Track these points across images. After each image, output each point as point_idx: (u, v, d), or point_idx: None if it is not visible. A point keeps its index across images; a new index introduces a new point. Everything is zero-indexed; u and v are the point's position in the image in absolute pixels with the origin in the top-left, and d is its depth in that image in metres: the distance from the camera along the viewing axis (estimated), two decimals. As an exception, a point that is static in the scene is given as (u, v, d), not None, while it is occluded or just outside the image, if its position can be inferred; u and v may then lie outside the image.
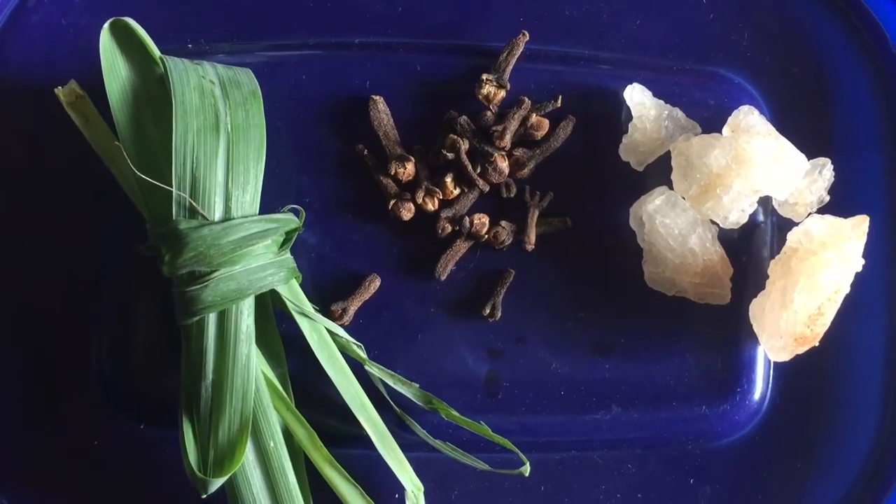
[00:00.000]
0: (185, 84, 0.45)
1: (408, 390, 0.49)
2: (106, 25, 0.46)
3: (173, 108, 0.45)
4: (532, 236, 0.50)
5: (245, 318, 0.45)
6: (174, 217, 0.44)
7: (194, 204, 0.44)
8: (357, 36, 0.51)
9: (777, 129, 0.49)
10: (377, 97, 0.50)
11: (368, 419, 0.48)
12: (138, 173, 0.44)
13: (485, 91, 0.50)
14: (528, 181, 0.51)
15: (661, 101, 0.50)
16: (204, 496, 0.45)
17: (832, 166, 0.50)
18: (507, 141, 0.50)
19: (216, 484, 0.45)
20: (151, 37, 0.48)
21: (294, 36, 0.51)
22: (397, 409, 0.50)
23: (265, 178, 0.47)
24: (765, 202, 0.51)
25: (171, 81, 0.45)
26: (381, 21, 0.51)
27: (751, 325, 0.50)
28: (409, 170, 0.50)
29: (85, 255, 0.50)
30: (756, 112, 0.49)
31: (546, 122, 0.51)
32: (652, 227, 0.49)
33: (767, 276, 0.49)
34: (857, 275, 0.48)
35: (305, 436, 0.47)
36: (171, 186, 0.44)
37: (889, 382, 0.50)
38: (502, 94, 0.50)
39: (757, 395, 0.51)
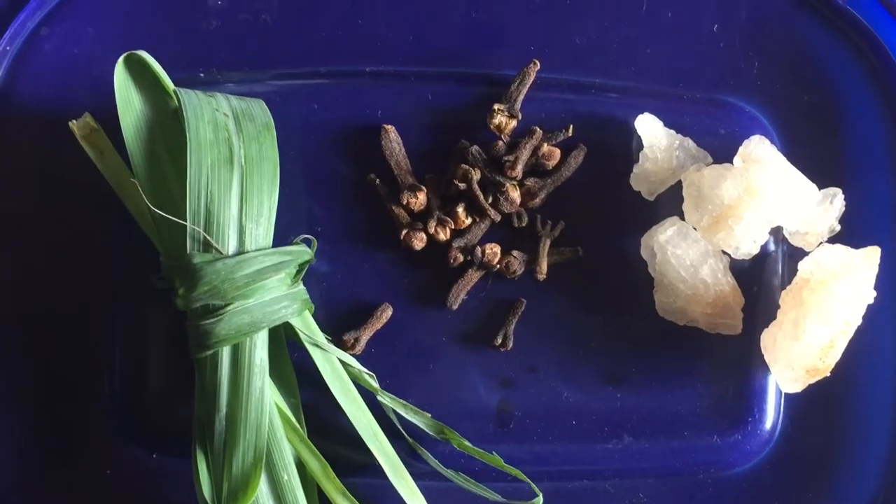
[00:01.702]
0: (199, 118, 0.46)
1: (420, 420, 0.49)
2: (120, 60, 0.46)
3: (188, 142, 0.45)
4: (543, 266, 0.50)
5: (259, 351, 0.45)
6: (188, 251, 0.45)
7: (208, 238, 0.45)
8: (369, 65, 0.52)
9: (788, 159, 0.49)
10: (389, 126, 0.50)
11: (380, 449, 0.48)
12: (153, 208, 0.45)
13: (496, 121, 0.50)
14: (539, 211, 0.51)
15: (672, 131, 0.50)
16: (218, 529, 0.45)
17: (843, 196, 0.50)
18: (519, 171, 0.50)
19: (230, 517, 0.45)
20: (163, 66, 0.48)
21: (305, 65, 0.51)
22: (409, 438, 0.50)
23: (277, 207, 0.47)
24: (776, 231, 0.51)
25: (185, 116, 0.45)
26: (393, 50, 0.52)
27: (762, 355, 0.50)
28: (420, 199, 0.50)
29: (100, 286, 0.50)
30: (767, 142, 0.49)
31: (557, 152, 0.51)
32: (663, 257, 0.49)
33: (779, 307, 0.49)
34: (869, 306, 0.48)
35: (318, 467, 0.47)
36: (186, 220, 0.44)
37: (900, 411, 0.51)
38: (514, 123, 0.50)
39: (768, 424, 0.51)
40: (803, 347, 0.47)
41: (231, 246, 0.45)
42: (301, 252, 0.47)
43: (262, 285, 0.45)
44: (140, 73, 0.47)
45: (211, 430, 0.45)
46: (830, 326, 0.47)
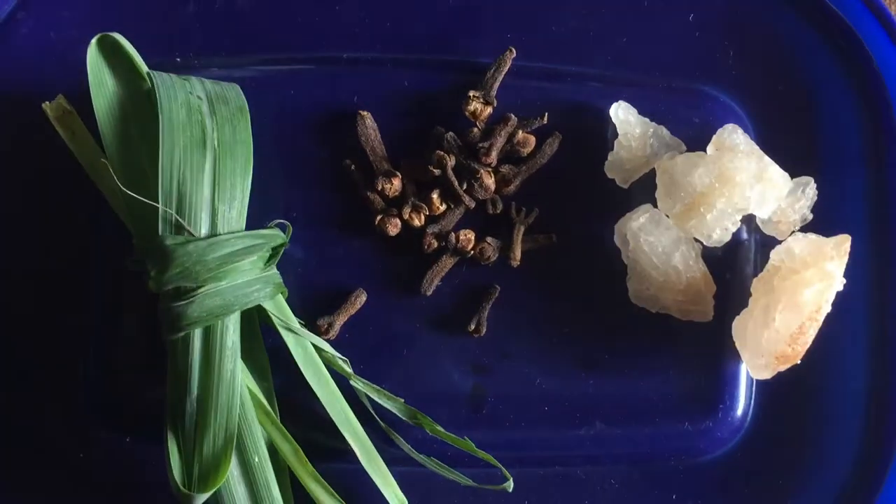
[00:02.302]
0: (172, 100, 0.46)
1: (393, 405, 0.49)
2: (93, 41, 0.46)
3: (160, 124, 0.45)
4: (517, 252, 0.50)
5: (230, 334, 0.45)
6: (160, 233, 0.45)
7: (180, 220, 0.45)
8: (345, 51, 0.52)
9: (761, 148, 0.50)
10: (365, 112, 0.51)
11: (353, 434, 0.48)
12: (124, 189, 0.45)
13: (472, 107, 0.50)
14: (513, 197, 0.51)
15: (647, 119, 0.51)
16: (188, 511, 0.45)
17: (815, 185, 0.50)
18: (494, 157, 0.50)
19: (201, 499, 0.45)
20: (140, 50, 0.48)
21: (282, 51, 0.52)
22: (382, 423, 0.50)
23: (252, 192, 0.47)
24: (748, 220, 0.51)
25: (158, 97, 0.45)
26: (370, 37, 0.52)
27: (733, 342, 0.50)
28: (395, 185, 0.50)
29: (72, 269, 0.50)
30: (740, 130, 0.50)
31: (532, 139, 0.51)
32: (636, 244, 0.49)
33: (750, 294, 0.50)
34: (839, 293, 0.49)
35: (290, 451, 0.47)
36: (158, 202, 0.45)
37: (870, 399, 0.51)
38: (489, 110, 0.51)
39: (739, 411, 0.51)
40: (773, 334, 0.47)
41: (203, 228, 0.45)
42: (274, 236, 0.47)
43: (235, 268, 0.45)
44: (113, 56, 0.47)
45: (182, 412, 0.45)
46: (800, 313, 0.47)
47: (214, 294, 0.45)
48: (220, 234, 0.45)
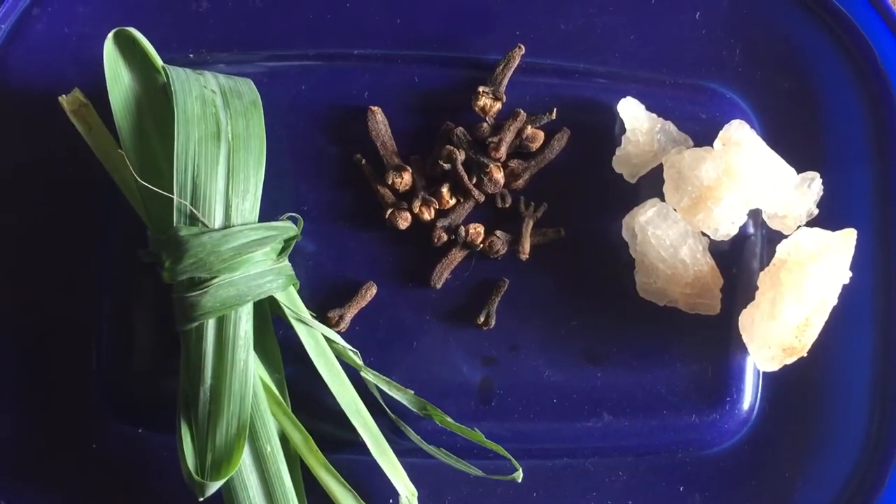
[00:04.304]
0: (186, 93, 0.46)
1: (403, 396, 0.50)
2: (110, 35, 0.47)
3: (175, 116, 0.46)
4: (526, 246, 0.51)
5: (243, 324, 0.46)
6: (175, 224, 0.45)
7: (195, 211, 0.45)
8: (356, 47, 0.52)
9: (767, 144, 0.50)
10: (375, 108, 0.51)
11: (364, 425, 0.49)
12: (140, 180, 0.45)
13: (481, 103, 0.51)
14: (522, 192, 0.52)
15: (654, 115, 0.51)
16: (201, 499, 0.46)
17: (821, 180, 0.50)
18: (503, 152, 0.51)
19: (213, 487, 0.45)
20: (153, 47, 0.49)
21: (294, 47, 0.52)
22: (392, 415, 0.50)
23: (264, 186, 0.48)
24: (755, 215, 0.52)
25: (173, 90, 0.46)
26: (380, 33, 0.52)
27: (740, 336, 0.50)
28: (405, 179, 0.51)
29: (86, 261, 0.51)
30: (747, 126, 0.50)
31: (541, 134, 0.51)
32: (644, 238, 0.49)
33: (757, 288, 0.50)
34: (845, 287, 0.49)
35: (301, 440, 0.48)
36: (173, 194, 0.45)
37: (875, 393, 0.51)
38: (498, 106, 0.51)
39: (746, 404, 0.52)
40: (780, 325, 0.48)
41: (217, 220, 0.46)
42: (286, 228, 0.48)
43: (248, 259, 0.46)
44: (129, 50, 0.48)
45: (195, 401, 0.46)
46: (806, 305, 0.48)
47: (228, 284, 0.45)
48: (233, 226, 0.46)
